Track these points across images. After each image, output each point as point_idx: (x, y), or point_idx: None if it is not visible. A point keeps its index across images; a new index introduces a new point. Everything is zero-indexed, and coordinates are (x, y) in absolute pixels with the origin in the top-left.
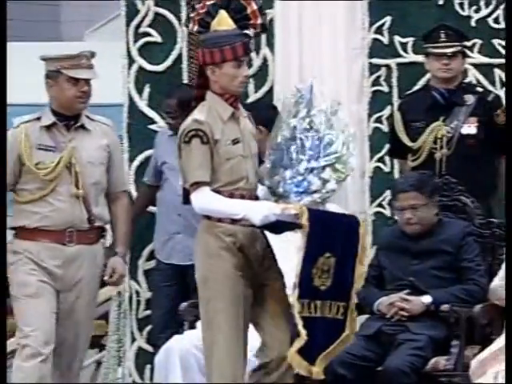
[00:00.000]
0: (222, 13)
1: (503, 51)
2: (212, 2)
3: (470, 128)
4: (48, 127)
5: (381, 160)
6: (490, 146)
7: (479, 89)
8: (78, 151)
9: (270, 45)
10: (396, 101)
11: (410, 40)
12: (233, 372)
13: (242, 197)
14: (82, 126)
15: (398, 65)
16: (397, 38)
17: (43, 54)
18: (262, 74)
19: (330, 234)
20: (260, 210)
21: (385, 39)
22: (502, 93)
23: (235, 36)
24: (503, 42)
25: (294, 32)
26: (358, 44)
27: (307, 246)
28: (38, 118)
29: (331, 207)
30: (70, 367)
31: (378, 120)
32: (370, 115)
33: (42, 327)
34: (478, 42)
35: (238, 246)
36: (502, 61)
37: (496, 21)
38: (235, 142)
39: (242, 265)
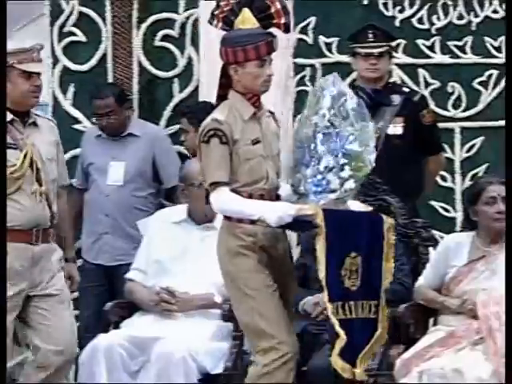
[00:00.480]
0: (246, 11)
1: (427, 51)
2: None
3: (395, 128)
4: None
5: None
6: (415, 147)
7: (405, 89)
8: (36, 148)
9: (195, 44)
10: None
11: (334, 40)
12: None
13: (262, 197)
14: (34, 123)
15: (323, 65)
16: (321, 38)
17: None
18: (186, 74)
19: (352, 233)
20: (275, 212)
21: (309, 39)
22: (426, 93)
23: (259, 35)
24: (427, 42)
25: (219, 31)
26: (283, 44)
27: (328, 247)
28: None
29: (353, 205)
30: None
31: None
32: (294, 115)
33: None
34: (403, 42)
35: (259, 246)
36: (426, 61)
37: (420, 21)
38: (255, 142)
39: (266, 262)
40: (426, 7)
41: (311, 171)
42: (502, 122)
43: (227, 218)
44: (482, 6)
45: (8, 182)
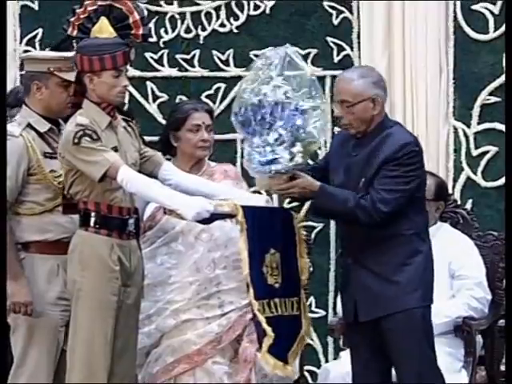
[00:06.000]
0: (104, 20)
1: (155, 64)
2: (94, 7)
3: None
4: (42, 134)
5: None
6: None
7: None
8: None
9: None
10: None
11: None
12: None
13: (120, 208)
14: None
15: None
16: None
17: None
18: None
19: (269, 229)
20: (193, 207)
21: (36, 51)
22: (154, 106)
23: (116, 45)
24: (155, 56)
25: None
26: (10, 55)
27: (250, 245)
28: (28, 125)
29: (261, 200)
30: None
31: None
32: None
33: None
34: None
35: (115, 258)
36: (154, 74)
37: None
38: (114, 150)
39: (116, 278)
40: (153, 20)
41: (258, 141)
42: (231, 135)
43: (84, 228)
44: (209, 19)
45: (53, 193)
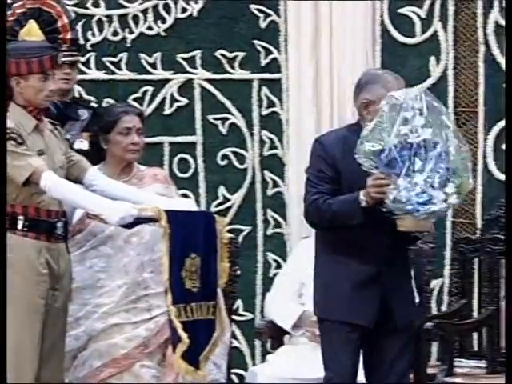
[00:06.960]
0: (32, 23)
1: (83, 67)
2: (22, 10)
3: (82, 143)
4: None
5: None
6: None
7: (94, 104)
8: None
9: None
10: None
11: None
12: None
13: (49, 212)
14: None
15: None
16: None
17: None
18: None
19: (191, 234)
20: (117, 211)
21: None
22: None
23: (43, 48)
24: (82, 59)
25: None
26: None
27: (171, 250)
28: None
29: (186, 204)
30: None
31: None
32: None
33: None
34: None
35: (43, 261)
36: (82, 77)
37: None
38: (40, 153)
39: (44, 281)
40: (80, 23)
41: (404, 182)
42: (158, 138)
43: (13, 230)
44: (136, 22)
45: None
